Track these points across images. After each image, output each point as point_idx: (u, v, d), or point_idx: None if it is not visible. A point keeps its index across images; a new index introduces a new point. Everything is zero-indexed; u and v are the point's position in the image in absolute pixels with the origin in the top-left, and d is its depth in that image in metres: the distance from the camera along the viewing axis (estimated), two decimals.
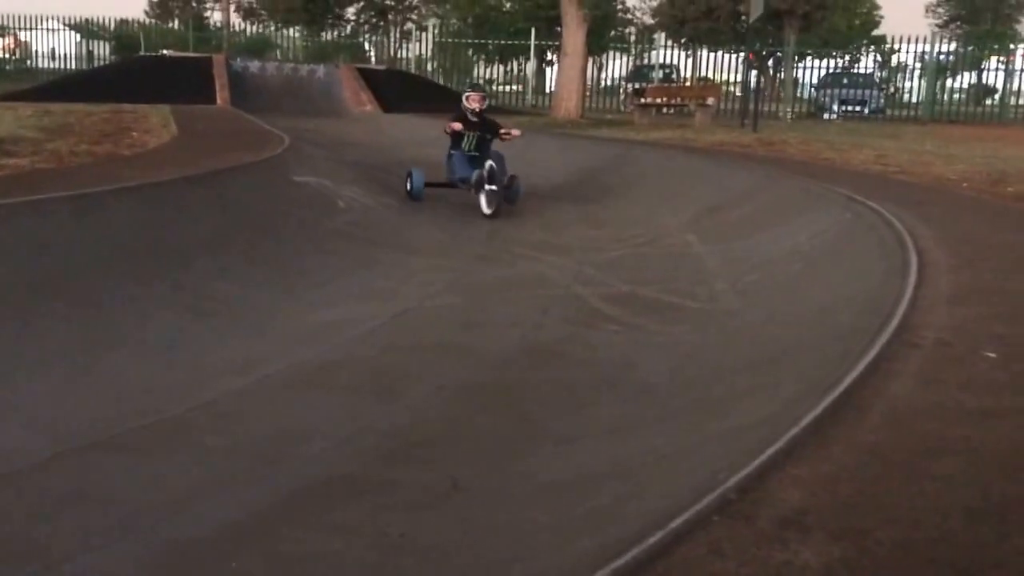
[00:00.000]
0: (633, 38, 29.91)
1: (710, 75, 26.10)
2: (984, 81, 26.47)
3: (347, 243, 6.22)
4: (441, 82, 24.15)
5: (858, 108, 23.32)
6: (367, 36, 32.90)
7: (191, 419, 3.31)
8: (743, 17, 21.94)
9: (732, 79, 26.09)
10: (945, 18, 41.37)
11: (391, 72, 21.57)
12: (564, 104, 18.38)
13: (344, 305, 4.95)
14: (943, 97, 25.03)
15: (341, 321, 4.64)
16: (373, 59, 28.88)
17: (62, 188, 5.22)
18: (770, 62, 29.42)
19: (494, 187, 7.58)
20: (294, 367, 3.92)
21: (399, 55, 29.83)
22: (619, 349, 4.30)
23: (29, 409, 3.23)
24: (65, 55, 29.70)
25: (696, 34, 28.42)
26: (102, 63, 28.16)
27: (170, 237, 5.00)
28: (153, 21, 36.46)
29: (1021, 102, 24.51)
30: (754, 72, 19.13)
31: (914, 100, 25.71)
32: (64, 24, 30.92)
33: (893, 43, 26.15)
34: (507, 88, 28.66)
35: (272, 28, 32.84)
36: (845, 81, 24.91)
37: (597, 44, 24.13)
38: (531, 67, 27.10)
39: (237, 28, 33.22)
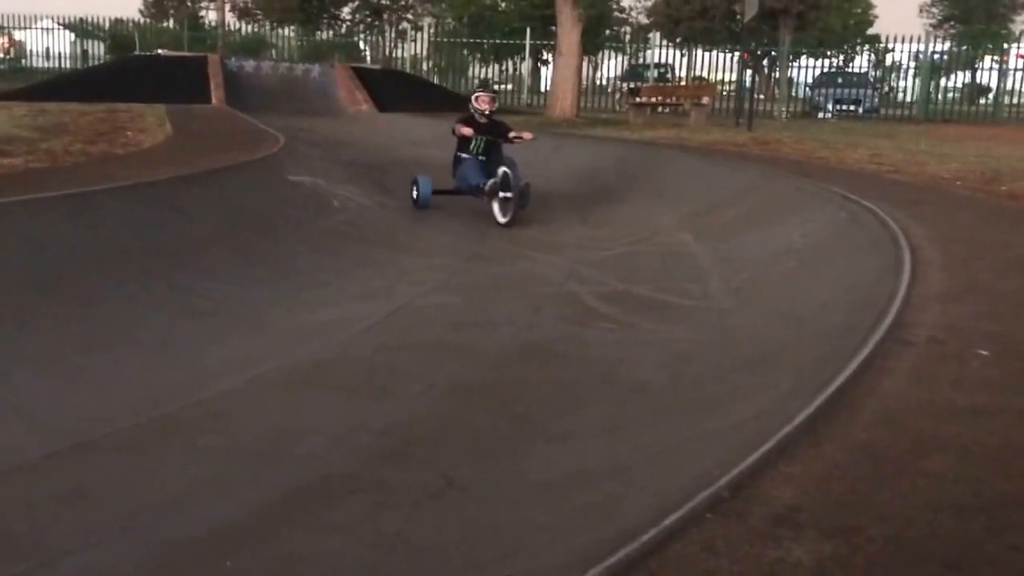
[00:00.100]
0: (628, 37, 29.87)
1: (705, 75, 26.11)
2: (978, 80, 26.51)
3: (342, 242, 6.22)
4: (436, 81, 24.14)
5: (852, 107, 23.34)
6: (362, 35, 32.83)
7: (187, 418, 3.31)
8: (738, 17, 21.90)
9: (727, 78, 26.10)
10: (939, 18, 41.41)
11: (386, 72, 21.54)
12: (559, 103, 18.39)
13: (339, 304, 4.95)
14: (937, 96, 25.06)
15: (336, 320, 4.64)
16: (368, 58, 28.81)
17: (57, 187, 5.22)
18: (765, 61, 29.44)
19: (509, 194, 7.20)
20: (289, 366, 3.92)
21: (394, 54, 29.76)
22: (613, 347, 4.30)
23: (25, 408, 3.23)
24: (60, 54, 29.59)
25: (691, 33, 28.41)
26: (97, 62, 28.09)
27: (165, 236, 5.00)
28: (148, 20, 36.33)
29: (1015, 101, 24.55)
30: (749, 71, 19.11)
31: (908, 99, 25.73)
32: (59, 23, 30.85)
33: (887, 42, 26.17)
34: (502, 87, 28.62)
35: (267, 27, 32.77)
36: (840, 80, 24.90)
37: (592, 43, 24.13)
38: (526, 66, 27.09)
39: (232, 27, 33.14)
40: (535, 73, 29.01)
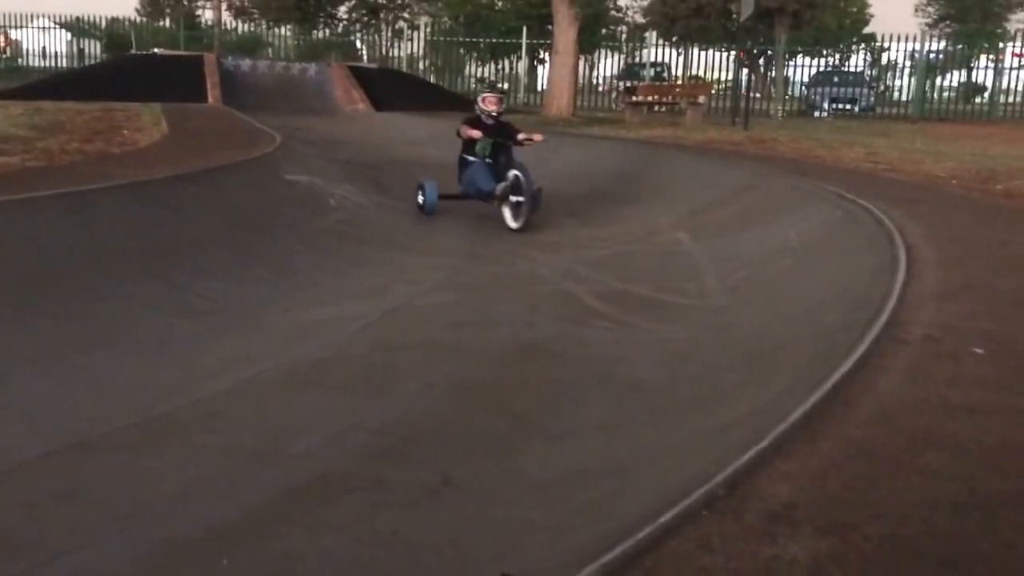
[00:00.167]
0: (624, 36, 29.88)
1: (701, 73, 26.12)
2: (974, 79, 26.55)
3: (338, 241, 6.22)
4: (433, 81, 24.13)
5: (848, 106, 23.39)
6: (359, 34, 32.79)
7: (184, 417, 3.31)
8: (734, 15, 21.94)
9: (723, 77, 26.12)
10: (935, 16, 41.46)
11: (383, 71, 21.51)
12: (556, 102, 18.40)
13: (335, 303, 4.95)
14: (933, 95, 25.09)
15: (332, 319, 4.64)
16: (365, 57, 28.78)
17: (53, 186, 5.21)
18: (761, 60, 29.47)
19: (521, 199, 6.99)
20: (286, 365, 3.93)
21: (391, 54, 29.78)
22: (611, 346, 4.31)
23: (23, 407, 3.23)
24: (56, 53, 29.56)
25: (687, 32, 28.41)
26: (93, 61, 28.05)
27: (162, 235, 5.00)
28: (144, 19, 36.29)
29: (1010, 100, 24.60)
30: (745, 70, 19.14)
31: (904, 98, 25.79)
32: (55, 22, 30.80)
33: (883, 41, 26.23)
34: (498, 86, 28.61)
35: (264, 26, 32.75)
36: (835, 79, 24.94)
37: (588, 42, 24.13)
38: (523, 65, 27.09)
39: (228, 26, 33.08)
40: (531, 72, 29.01)
